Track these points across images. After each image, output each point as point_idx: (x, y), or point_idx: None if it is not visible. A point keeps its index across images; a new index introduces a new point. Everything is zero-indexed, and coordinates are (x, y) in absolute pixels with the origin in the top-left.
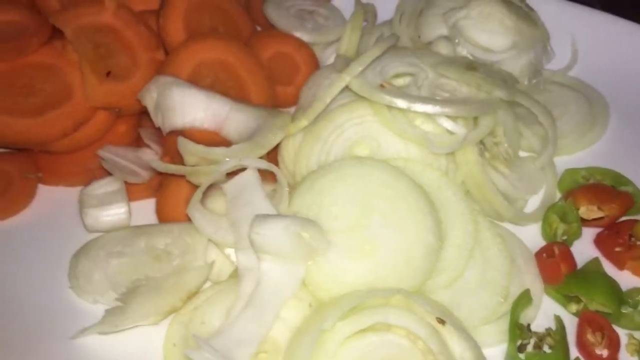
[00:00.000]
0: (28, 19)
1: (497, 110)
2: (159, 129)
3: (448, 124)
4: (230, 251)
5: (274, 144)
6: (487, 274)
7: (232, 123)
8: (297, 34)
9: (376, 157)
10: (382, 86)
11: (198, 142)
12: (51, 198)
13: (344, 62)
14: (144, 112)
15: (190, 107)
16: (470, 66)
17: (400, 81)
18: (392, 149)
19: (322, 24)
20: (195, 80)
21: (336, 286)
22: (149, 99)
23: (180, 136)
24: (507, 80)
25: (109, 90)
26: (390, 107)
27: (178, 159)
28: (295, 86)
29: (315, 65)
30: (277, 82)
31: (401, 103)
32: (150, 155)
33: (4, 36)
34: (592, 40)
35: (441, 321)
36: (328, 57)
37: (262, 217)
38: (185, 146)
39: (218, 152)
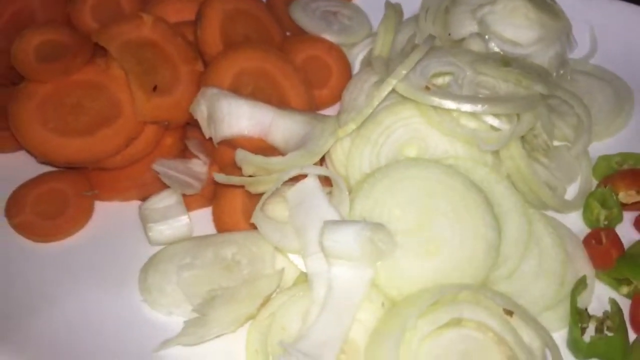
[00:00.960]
0: (69, 38)
1: (538, 104)
2: (205, 139)
3: (493, 121)
4: (293, 257)
5: (327, 149)
6: (543, 263)
7: (277, 130)
8: (325, 36)
9: (425, 157)
10: (427, 88)
11: (247, 150)
12: (108, 213)
13: (382, 64)
14: (188, 124)
15: (236, 117)
16: (505, 62)
17: (439, 80)
18: (440, 148)
19: (347, 24)
20: (236, 90)
21: (406, 284)
22: (199, 112)
23: (240, 148)
24: (541, 74)
25: (157, 104)
26: (436, 108)
27: (228, 168)
28: (329, 88)
29: (346, 66)
30: (311, 85)
31: (449, 104)
32: (200, 165)
33: (48, 56)
34: (607, 28)
35: (509, 312)
36: (355, 57)
37: (332, 224)
38: (244, 157)
39: (275, 161)
